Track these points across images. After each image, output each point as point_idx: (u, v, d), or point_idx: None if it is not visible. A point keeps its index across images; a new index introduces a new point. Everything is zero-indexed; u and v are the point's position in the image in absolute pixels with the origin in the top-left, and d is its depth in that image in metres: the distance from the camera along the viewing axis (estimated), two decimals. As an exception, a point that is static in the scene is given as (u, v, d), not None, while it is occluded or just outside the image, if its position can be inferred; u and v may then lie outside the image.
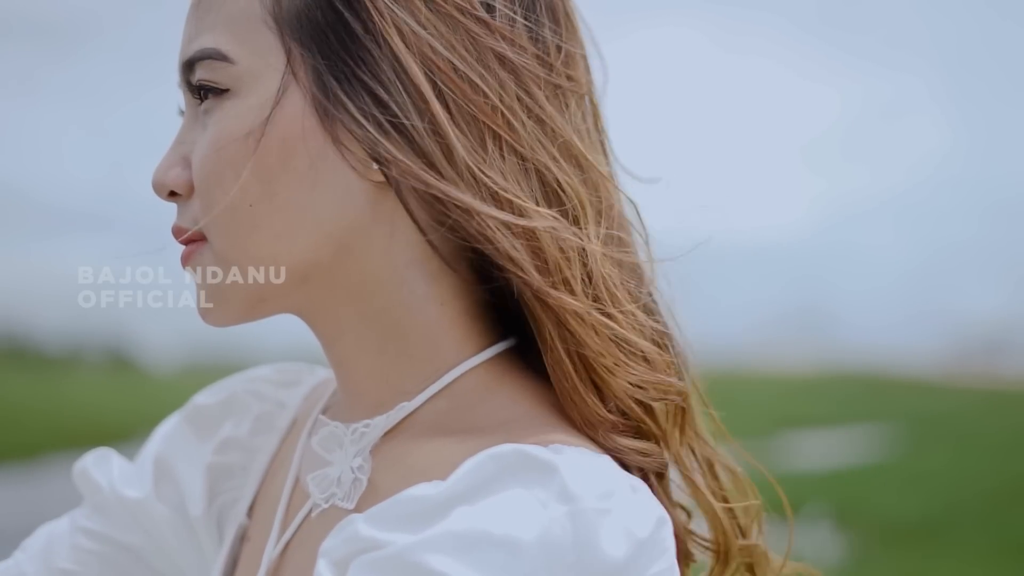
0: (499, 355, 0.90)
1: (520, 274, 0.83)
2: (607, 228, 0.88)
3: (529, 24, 0.88)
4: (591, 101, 0.93)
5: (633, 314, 0.87)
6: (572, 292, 0.84)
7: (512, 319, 0.93)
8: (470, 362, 0.89)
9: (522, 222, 0.83)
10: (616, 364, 0.85)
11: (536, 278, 0.83)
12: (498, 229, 0.83)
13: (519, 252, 0.83)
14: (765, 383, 24.04)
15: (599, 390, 0.85)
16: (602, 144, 0.93)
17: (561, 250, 0.84)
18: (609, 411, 0.86)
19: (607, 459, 0.81)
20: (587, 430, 0.86)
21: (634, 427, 0.87)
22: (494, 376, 0.89)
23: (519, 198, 0.84)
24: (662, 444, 0.89)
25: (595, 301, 0.85)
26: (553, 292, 0.84)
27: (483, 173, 0.83)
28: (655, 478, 0.90)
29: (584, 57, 0.92)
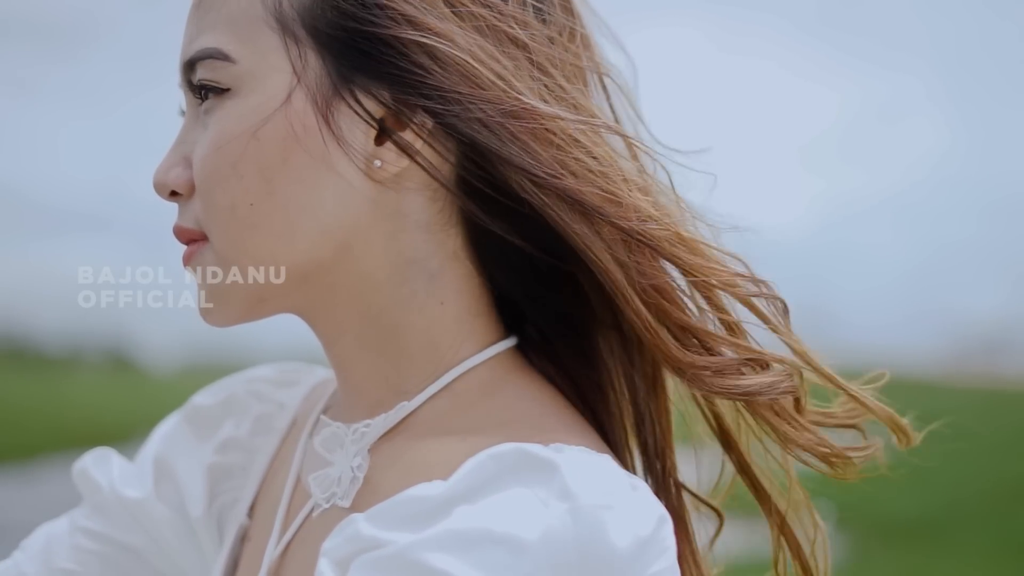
0: (501, 354, 0.90)
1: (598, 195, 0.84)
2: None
3: (540, 6, 0.88)
4: (601, 80, 0.93)
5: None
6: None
7: (513, 318, 0.94)
8: (471, 361, 0.89)
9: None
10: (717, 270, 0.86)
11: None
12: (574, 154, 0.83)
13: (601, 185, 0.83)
14: (764, 383, 23.94)
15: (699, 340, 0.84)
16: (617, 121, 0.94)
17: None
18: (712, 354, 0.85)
19: (607, 458, 0.81)
20: (696, 377, 0.83)
21: (743, 364, 0.85)
22: (496, 375, 0.89)
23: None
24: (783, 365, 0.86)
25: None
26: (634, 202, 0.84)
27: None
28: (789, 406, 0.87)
29: (586, 37, 0.93)
